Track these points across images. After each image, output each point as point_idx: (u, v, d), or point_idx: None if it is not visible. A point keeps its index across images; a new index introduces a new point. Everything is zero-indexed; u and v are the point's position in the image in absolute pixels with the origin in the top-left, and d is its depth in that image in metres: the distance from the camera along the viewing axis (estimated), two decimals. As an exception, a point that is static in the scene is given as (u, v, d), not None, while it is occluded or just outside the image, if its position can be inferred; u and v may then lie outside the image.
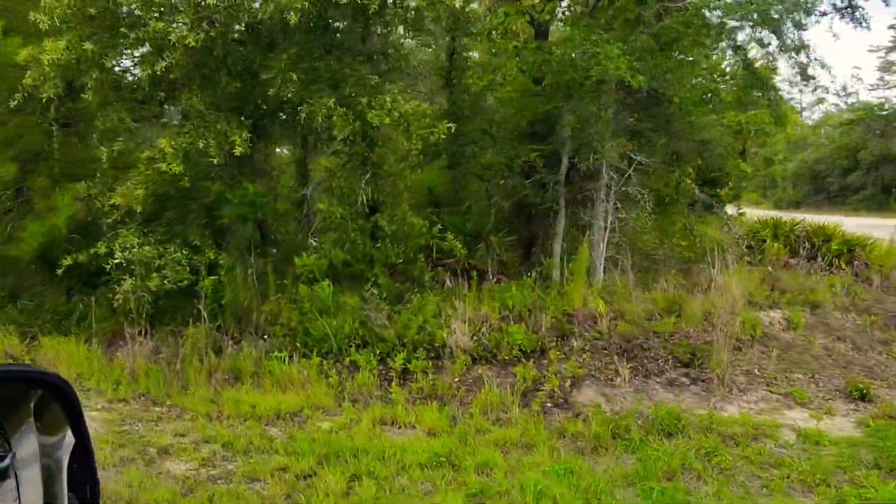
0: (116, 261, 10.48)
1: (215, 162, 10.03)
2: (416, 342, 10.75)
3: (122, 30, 9.59)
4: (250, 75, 10.43)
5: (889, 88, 53.00)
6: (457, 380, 10.08)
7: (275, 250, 11.97)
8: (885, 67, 53.82)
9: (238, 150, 9.73)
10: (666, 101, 14.05)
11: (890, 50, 53.93)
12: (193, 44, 9.16)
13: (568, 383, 9.69)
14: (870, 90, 53.16)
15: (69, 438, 2.32)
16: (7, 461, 1.89)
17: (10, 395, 2.15)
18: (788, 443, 8.52)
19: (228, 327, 11.33)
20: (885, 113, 47.54)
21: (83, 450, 2.33)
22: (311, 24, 10.10)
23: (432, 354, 10.67)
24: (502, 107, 15.43)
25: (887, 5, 15.93)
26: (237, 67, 10.26)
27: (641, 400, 9.52)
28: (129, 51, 9.77)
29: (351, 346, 10.82)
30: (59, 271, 11.27)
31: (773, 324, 12.09)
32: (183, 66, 9.40)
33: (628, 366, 10.19)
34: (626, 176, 13.67)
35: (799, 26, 14.09)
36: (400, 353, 10.62)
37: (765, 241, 17.75)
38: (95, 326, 11.89)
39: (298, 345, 10.99)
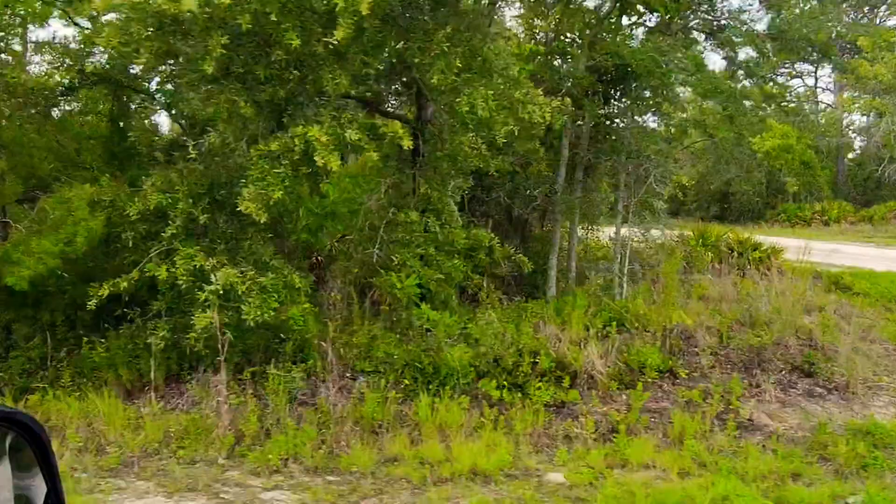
0: (211, 289, 7.98)
1: (375, 158, 8.05)
2: (547, 370, 9.54)
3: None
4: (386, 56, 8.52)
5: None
6: (621, 408, 9.08)
7: (356, 270, 9.94)
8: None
9: (407, 144, 7.90)
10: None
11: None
12: (366, 12, 7.23)
13: (752, 403, 9.13)
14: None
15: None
16: None
17: None
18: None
19: (315, 366, 9.21)
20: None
21: (53, 489, 2.27)
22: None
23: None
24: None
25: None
26: (370, 46, 8.31)
27: (809, 415, 9.27)
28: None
29: (477, 379, 9.34)
30: (91, 304, 8.38)
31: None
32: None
33: (769, 380, 9.89)
34: (647, 183, 13.44)
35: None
36: (532, 381, 9.37)
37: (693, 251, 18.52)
38: (125, 375, 9.10)
39: (407, 381, 9.23)
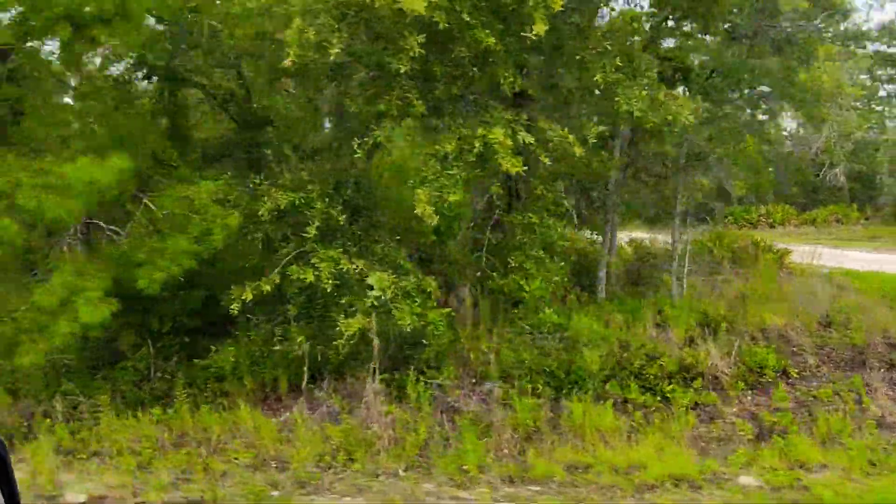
0: (374, 294, 7.59)
1: (547, 164, 7.82)
2: (673, 372, 9.49)
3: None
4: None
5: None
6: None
7: (478, 274, 9.63)
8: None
9: (578, 152, 7.71)
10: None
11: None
12: (558, 8, 7.02)
13: (881, 400, 9.29)
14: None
15: None
16: None
17: None
18: None
19: (451, 372, 8.88)
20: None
21: (10, 498, 2.35)
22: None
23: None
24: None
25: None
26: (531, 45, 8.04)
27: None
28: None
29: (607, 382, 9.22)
30: (234, 308, 7.86)
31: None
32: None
33: (877, 378, 10.09)
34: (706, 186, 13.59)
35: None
36: (662, 384, 9.31)
37: (711, 251, 18.84)
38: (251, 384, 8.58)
39: (539, 386, 9.01)
